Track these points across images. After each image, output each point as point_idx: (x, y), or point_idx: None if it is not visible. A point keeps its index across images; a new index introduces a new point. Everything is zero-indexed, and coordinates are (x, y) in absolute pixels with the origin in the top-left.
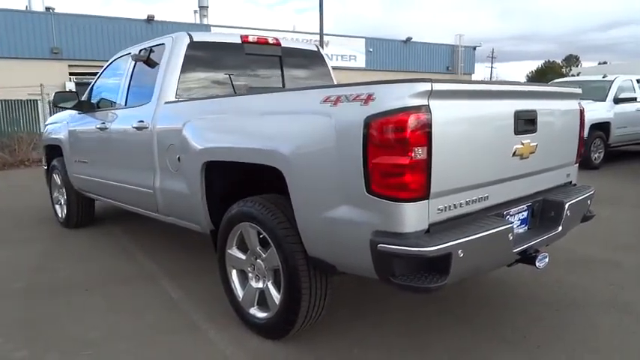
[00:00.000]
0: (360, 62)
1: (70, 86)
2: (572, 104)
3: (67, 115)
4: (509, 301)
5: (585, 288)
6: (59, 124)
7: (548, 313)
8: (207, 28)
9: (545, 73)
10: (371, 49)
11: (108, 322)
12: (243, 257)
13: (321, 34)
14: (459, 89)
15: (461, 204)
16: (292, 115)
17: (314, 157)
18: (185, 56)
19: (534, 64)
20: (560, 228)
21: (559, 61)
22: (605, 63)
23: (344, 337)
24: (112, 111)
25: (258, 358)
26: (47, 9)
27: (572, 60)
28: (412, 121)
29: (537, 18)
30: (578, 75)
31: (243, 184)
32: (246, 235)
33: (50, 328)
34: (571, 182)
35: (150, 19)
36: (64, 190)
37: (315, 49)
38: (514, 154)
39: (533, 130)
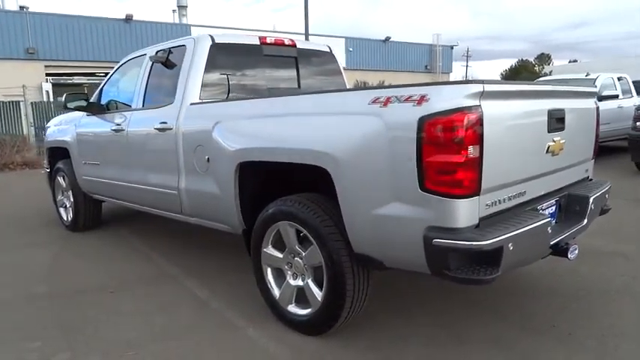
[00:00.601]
0: (341, 61)
1: (47, 87)
2: (590, 103)
3: (73, 116)
4: (531, 292)
5: (599, 278)
6: (65, 126)
7: (570, 303)
8: (187, 27)
9: (518, 72)
10: (351, 49)
11: (142, 322)
12: (280, 255)
13: (307, 34)
14: (505, 90)
15: (504, 199)
16: (339, 115)
17: (363, 156)
18: (208, 58)
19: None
20: (585, 221)
21: (532, 59)
22: (575, 61)
23: (382, 330)
24: (128, 112)
25: (301, 353)
26: (21, 8)
27: (544, 58)
28: (467, 120)
29: (508, 18)
30: (550, 73)
31: (274, 185)
32: (284, 234)
33: (86, 330)
34: (588, 177)
35: (128, 19)
36: (70, 193)
37: (328, 50)
38: (547, 151)
39: (563, 128)
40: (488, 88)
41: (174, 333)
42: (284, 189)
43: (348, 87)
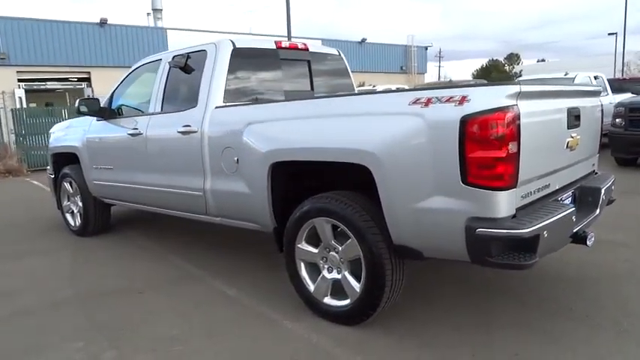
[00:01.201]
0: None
1: (20, 93)
2: (596, 101)
3: (81, 122)
4: (544, 279)
5: (605, 265)
6: (73, 132)
7: (582, 288)
8: (163, 31)
9: (489, 71)
10: None
11: (179, 320)
12: (315, 250)
13: (289, 37)
14: (536, 90)
15: (534, 191)
16: (380, 116)
17: (405, 153)
18: (229, 62)
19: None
20: (597, 211)
21: (501, 59)
22: (543, 60)
23: (416, 318)
24: (145, 117)
25: (344, 342)
26: None
27: (513, 58)
28: (508, 118)
29: (477, 18)
30: (520, 72)
31: (301, 184)
32: (320, 229)
33: (125, 330)
34: (594, 170)
35: (103, 23)
36: (77, 198)
37: (337, 53)
38: (566, 146)
39: (578, 125)
40: (524, 89)
41: (215, 329)
42: (312, 188)
43: (355, 88)
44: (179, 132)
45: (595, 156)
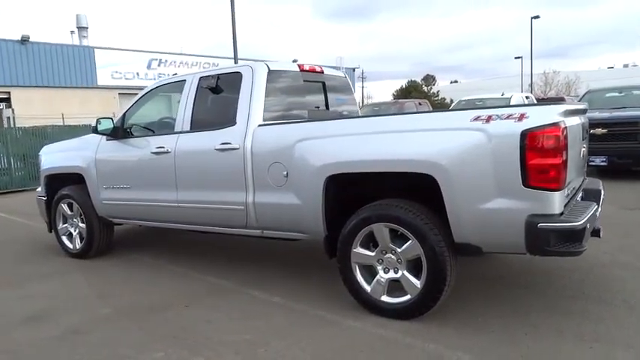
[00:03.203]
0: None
1: None
2: (586, 117)
3: (84, 141)
4: (549, 271)
5: (589, 257)
6: (74, 153)
7: (582, 275)
8: (90, 50)
9: (409, 92)
10: None
11: (243, 327)
12: (372, 253)
13: (235, 59)
14: (572, 109)
15: (569, 193)
16: (444, 131)
17: (469, 162)
18: (266, 83)
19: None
20: (599, 209)
21: (419, 80)
22: (456, 82)
23: (464, 310)
24: (173, 135)
25: (410, 333)
26: None
27: (429, 79)
28: (561, 131)
29: (393, 41)
30: (438, 93)
31: (351, 194)
32: (378, 234)
33: (196, 338)
34: (585, 176)
35: (24, 40)
36: (77, 220)
37: (344, 76)
38: (581, 155)
39: (586, 137)
40: (568, 107)
41: (284, 332)
42: (358, 197)
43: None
44: (217, 149)
45: (586, 164)
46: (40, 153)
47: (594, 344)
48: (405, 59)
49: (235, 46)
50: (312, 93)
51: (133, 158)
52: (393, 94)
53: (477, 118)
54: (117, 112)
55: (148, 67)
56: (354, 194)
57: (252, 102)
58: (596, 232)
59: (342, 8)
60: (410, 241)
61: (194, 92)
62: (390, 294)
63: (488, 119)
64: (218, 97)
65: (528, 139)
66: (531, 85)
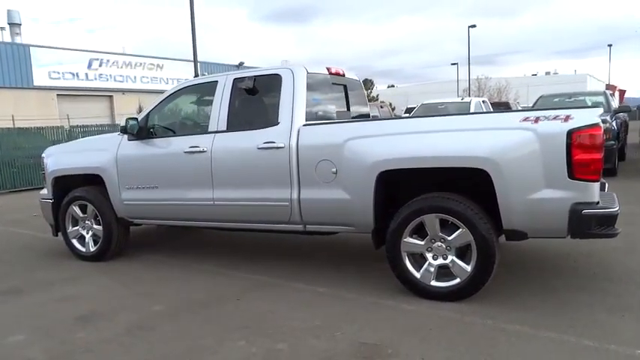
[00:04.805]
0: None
1: None
2: None
3: (101, 141)
4: (555, 257)
5: (581, 243)
6: (90, 153)
7: (587, 259)
8: (25, 48)
9: None
10: (205, 73)
11: (308, 314)
12: (421, 242)
13: (195, 63)
14: (600, 112)
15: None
16: (496, 130)
17: (519, 157)
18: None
19: None
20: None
21: None
22: (392, 86)
23: (501, 292)
24: (208, 135)
25: (465, 313)
26: None
27: (368, 83)
28: (600, 131)
29: (329, 45)
30: (377, 97)
31: (397, 188)
32: (429, 224)
33: (268, 327)
34: None
35: None
36: (91, 222)
37: (358, 80)
38: None
39: None
40: (600, 112)
41: (349, 317)
42: (405, 192)
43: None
44: (259, 148)
45: None
46: (44, 155)
47: (625, 313)
48: (341, 63)
49: (195, 48)
50: (337, 94)
51: (162, 158)
52: None
53: (525, 119)
54: (56, 114)
55: (89, 67)
56: (399, 189)
57: (295, 102)
58: None
59: (278, 12)
60: (460, 230)
61: (229, 93)
62: (438, 279)
63: (537, 120)
64: (256, 98)
65: (573, 137)
66: (469, 90)
